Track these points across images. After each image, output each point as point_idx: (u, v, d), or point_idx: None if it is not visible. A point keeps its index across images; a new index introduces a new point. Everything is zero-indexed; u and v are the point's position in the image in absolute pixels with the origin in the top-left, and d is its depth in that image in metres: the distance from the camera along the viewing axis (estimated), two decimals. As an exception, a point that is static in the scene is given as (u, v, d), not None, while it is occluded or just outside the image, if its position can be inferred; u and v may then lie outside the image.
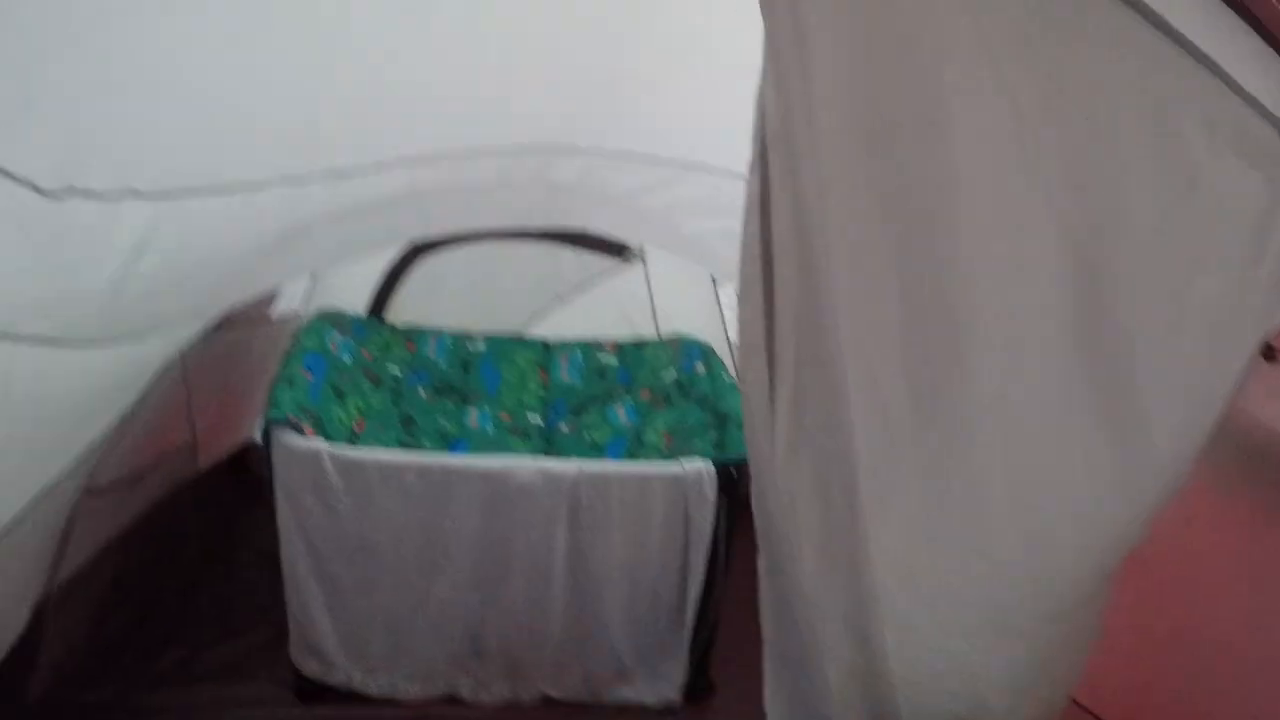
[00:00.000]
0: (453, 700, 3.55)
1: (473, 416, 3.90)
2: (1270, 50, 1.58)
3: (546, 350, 4.55)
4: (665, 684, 3.53)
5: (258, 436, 3.16)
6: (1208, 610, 2.45)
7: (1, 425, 2.41)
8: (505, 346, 4.50)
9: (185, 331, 3.35)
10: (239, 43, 2.01)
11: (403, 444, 3.40)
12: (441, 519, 3.15)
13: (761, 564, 2.02)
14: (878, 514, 1.81)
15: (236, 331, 4.18)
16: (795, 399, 1.74)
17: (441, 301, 4.63)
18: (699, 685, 3.56)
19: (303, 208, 2.87)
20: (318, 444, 3.07)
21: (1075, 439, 1.83)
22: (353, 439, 3.39)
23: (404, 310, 4.64)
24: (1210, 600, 2.45)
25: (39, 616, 3.26)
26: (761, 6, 1.50)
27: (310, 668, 3.45)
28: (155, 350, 3.12)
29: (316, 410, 3.32)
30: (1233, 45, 1.57)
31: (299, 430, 3.10)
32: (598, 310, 4.68)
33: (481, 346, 4.47)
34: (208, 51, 1.98)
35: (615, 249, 4.40)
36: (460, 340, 4.50)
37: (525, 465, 3.10)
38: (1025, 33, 1.54)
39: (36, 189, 1.86)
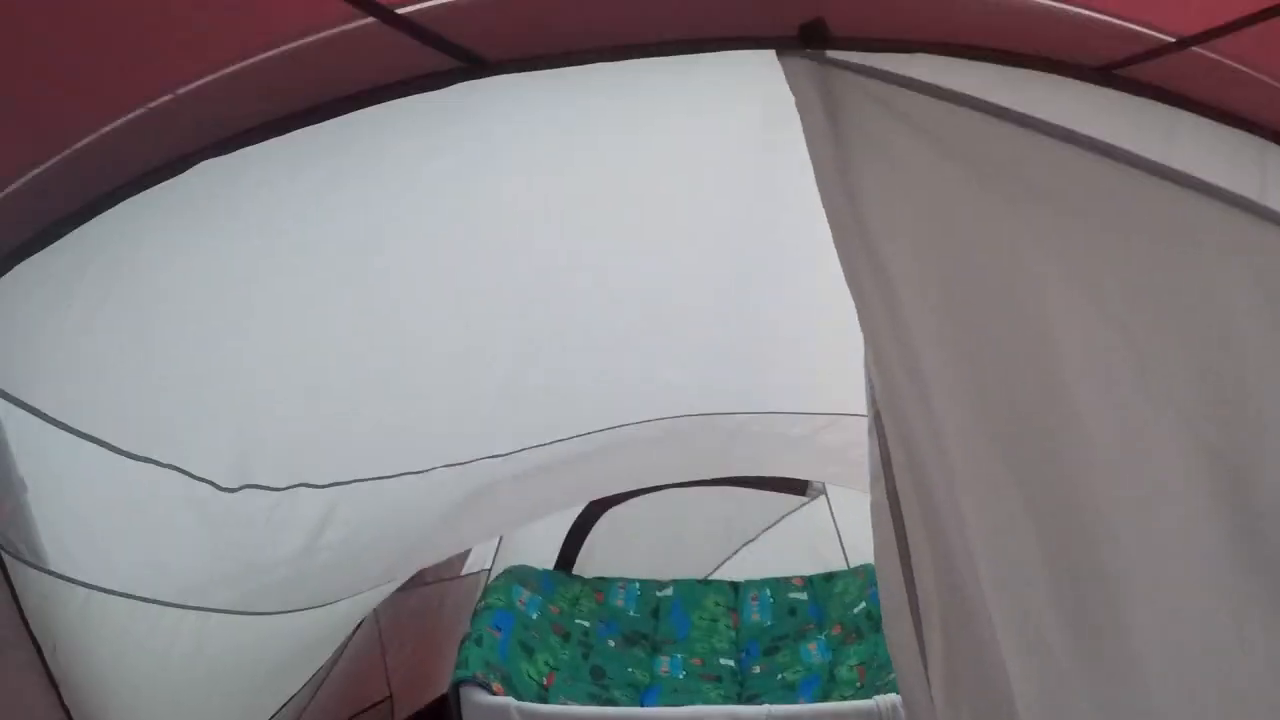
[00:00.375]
0: None
1: (664, 664, 3.84)
2: None
3: (735, 591, 4.49)
4: None
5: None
6: None
7: (197, 686, 2.48)
8: (693, 590, 4.46)
9: (379, 593, 3.41)
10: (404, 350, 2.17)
11: (593, 696, 3.36)
12: (634, 772, 3.08)
13: None
14: None
15: (429, 588, 4.27)
16: (947, 653, 1.67)
17: (629, 552, 4.66)
18: None
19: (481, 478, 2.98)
20: (507, 700, 3.06)
21: (1246, 645, 1.72)
22: (542, 694, 3.36)
23: (592, 562, 4.68)
24: None
25: None
26: (847, 282, 1.53)
27: None
28: (351, 607, 3.18)
29: (505, 667, 3.32)
30: None
31: (487, 688, 3.10)
32: (785, 547, 4.64)
33: (670, 591, 4.45)
34: (370, 362, 2.13)
35: (797, 486, 4.37)
36: (648, 587, 4.49)
37: (714, 713, 3.03)
38: (1122, 246, 1.54)
39: (215, 485, 2.00)
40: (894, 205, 1.51)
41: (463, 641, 3.40)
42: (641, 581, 4.50)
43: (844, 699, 3.13)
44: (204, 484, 1.99)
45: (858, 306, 1.52)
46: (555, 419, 2.75)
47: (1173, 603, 1.67)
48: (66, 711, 2.15)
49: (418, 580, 4.07)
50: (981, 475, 1.58)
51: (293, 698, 3.18)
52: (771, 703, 3.09)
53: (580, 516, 4.59)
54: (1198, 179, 1.50)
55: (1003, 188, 1.51)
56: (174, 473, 1.94)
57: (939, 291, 1.54)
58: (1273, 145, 1.55)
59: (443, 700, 4.65)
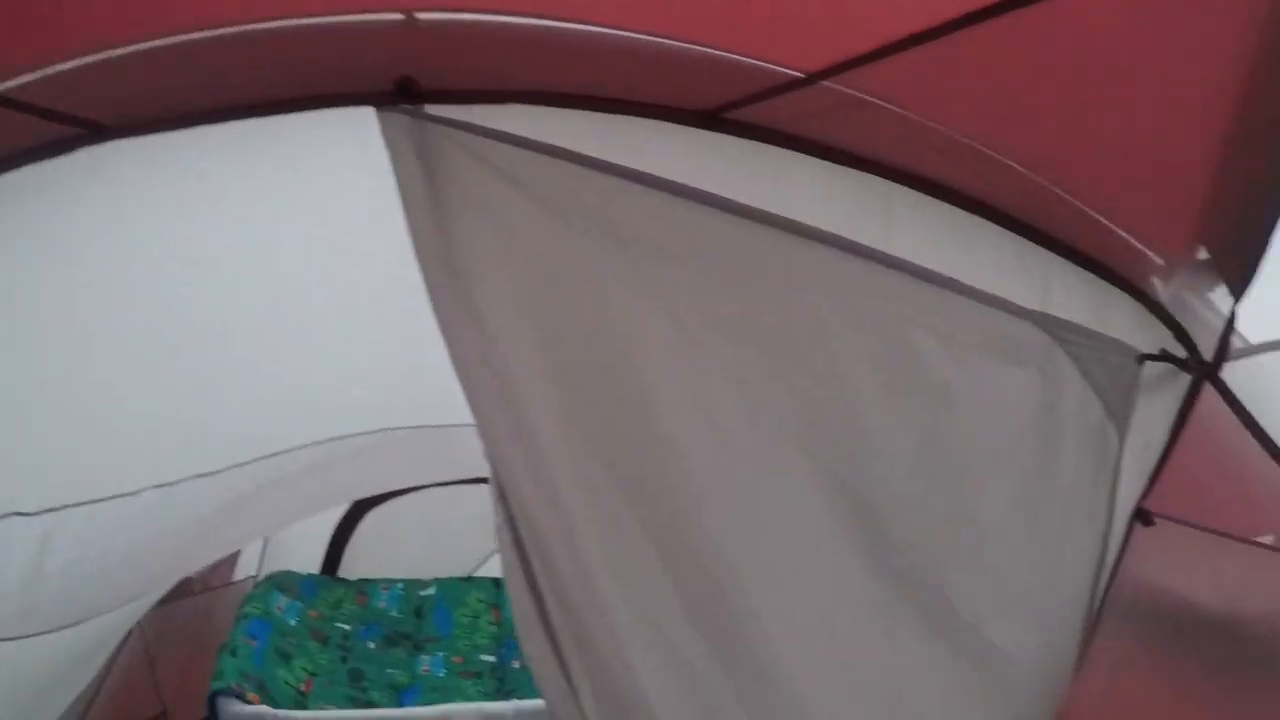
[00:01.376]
0: None
1: (425, 663, 3.88)
2: (1014, 237, 1.69)
3: (497, 587, 4.50)
4: None
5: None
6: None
7: None
8: (456, 588, 4.52)
9: (133, 613, 3.38)
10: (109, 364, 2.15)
11: (352, 699, 3.40)
12: (391, 773, 3.14)
13: None
14: None
15: (197, 598, 4.24)
16: (585, 670, 1.77)
17: (394, 553, 4.68)
18: None
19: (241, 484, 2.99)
20: (262, 709, 3.10)
21: (899, 644, 1.88)
22: (301, 700, 3.39)
23: (358, 564, 4.70)
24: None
25: None
26: (444, 336, 1.59)
27: None
28: (112, 624, 3.16)
29: (261, 676, 3.35)
30: (969, 254, 1.66)
31: (243, 698, 3.13)
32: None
33: (432, 590, 4.49)
34: (73, 376, 2.11)
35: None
36: (411, 586, 4.53)
37: (462, 710, 3.12)
38: (721, 288, 1.63)
39: None
40: (490, 257, 1.56)
41: (219, 652, 3.40)
42: (405, 582, 4.54)
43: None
44: None
45: (452, 355, 1.59)
46: (258, 435, 2.79)
47: (806, 610, 1.80)
48: None
49: (184, 590, 4.04)
50: (597, 507, 1.66)
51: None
52: (524, 698, 3.18)
53: (344, 518, 4.61)
54: (807, 225, 1.59)
55: (595, 234, 1.57)
56: None
57: (536, 336, 1.60)
58: (898, 187, 1.66)
59: (221, 714, 4.66)
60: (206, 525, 3.00)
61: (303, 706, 3.32)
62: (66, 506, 2.22)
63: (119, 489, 2.35)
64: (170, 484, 2.45)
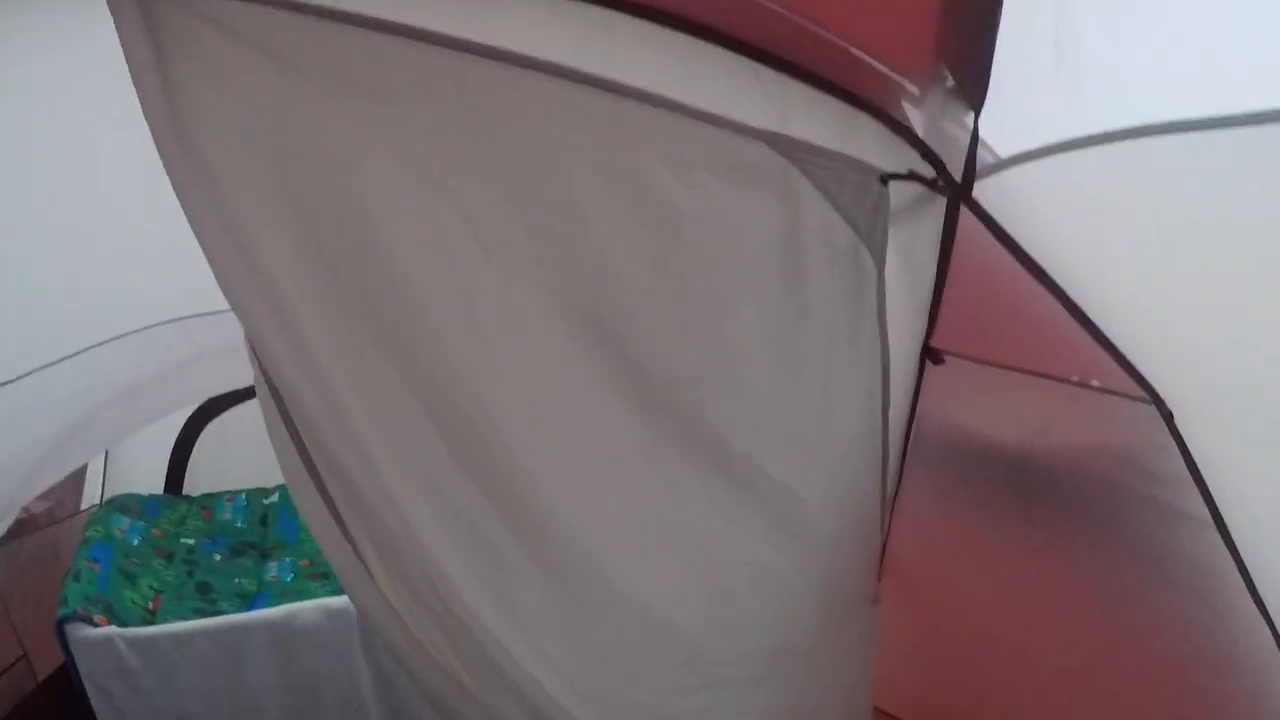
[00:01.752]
0: None
1: (272, 570, 3.93)
2: (748, 62, 1.67)
3: (342, 489, 4.54)
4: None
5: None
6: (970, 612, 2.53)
7: None
8: (300, 493, 4.48)
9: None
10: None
11: (200, 612, 3.41)
12: (244, 676, 3.19)
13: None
14: (495, 609, 1.87)
15: (44, 532, 4.19)
16: (362, 521, 1.80)
17: (236, 464, 4.66)
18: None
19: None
20: (110, 630, 3.11)
21: (681, 491, 1.93)
22: (149, 618, 3.40)
23: (201, 481, 4.68)
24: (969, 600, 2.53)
25: None
26: (184, 210, 1.54)
27: None
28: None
29: (107, 598, 3.35)
30: (700, 81, 1.65)
31: (90, 621, 3.12)
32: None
33: (276, 498, 4.50)
34: None
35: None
36: (255, 496, 4.53)
37: (307, 607, 3.15)
38: (452, 133, 1.61)
39: None
40: (225, 120, 1.50)
41: (64, 578, 3.39)
42: (248, 491, 4.53)
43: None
44: None
45: (193, 226, 1.54)
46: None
47: (575, 455, 1.83)
48: None
49: (30, 526, 4.00)
50: (349, 358, 1.65)
51: None
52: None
53: (182, 432, 4.58)
54: (531, 56, 1.55)
55: (322, 83, 1.52)
56: None
57: (273, 194, 1.56)
58: (623, 16, 1.59)
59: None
60: (42, 445, 2.97)
61: (151, 624, 3.32)
62: None
63: None
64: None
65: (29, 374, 2.62)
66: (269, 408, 1.75)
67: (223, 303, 1.59)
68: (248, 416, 4.43)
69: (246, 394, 4.42)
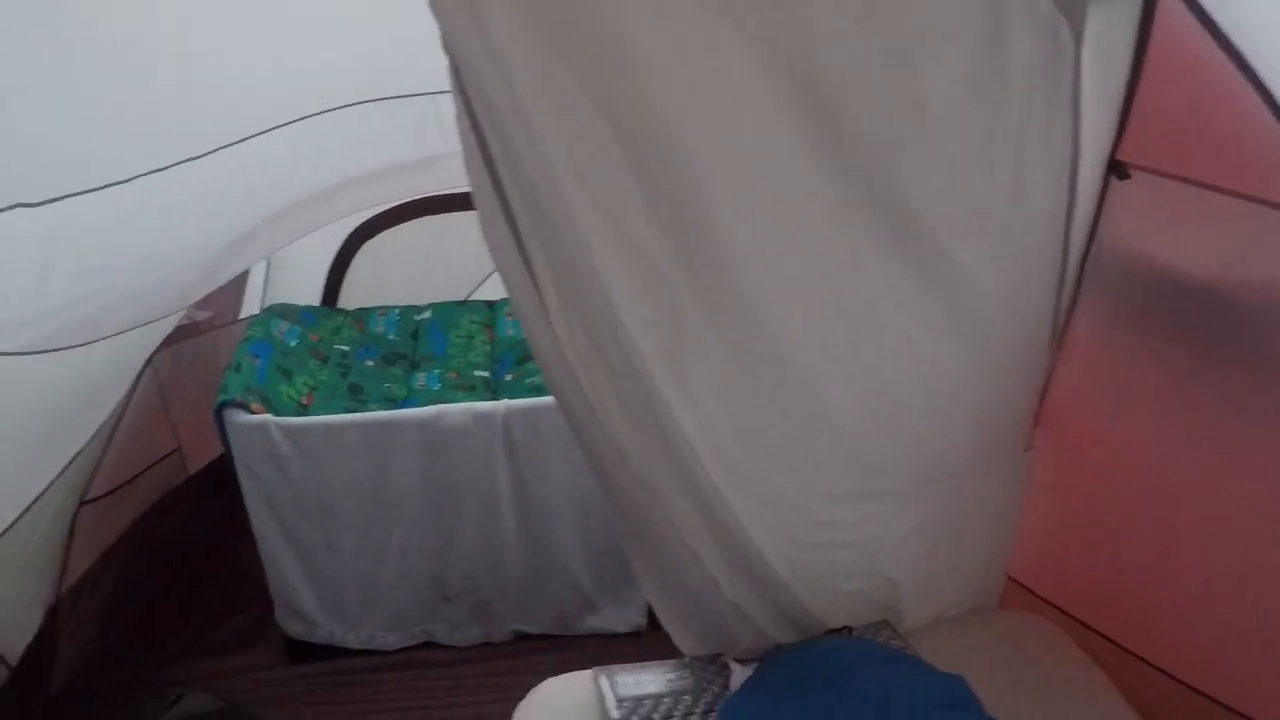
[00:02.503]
0: (430, 645, 3.75)
1: (421, 379, 4.06)
2: None
3: (490, 309, 4.68)
4: (631, 610, 3.69)
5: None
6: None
7: None
8: (450, 311, 4.63)
9: (144, 345, 3.56)
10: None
11: (350, 410, 3.54)
12: (387, 471, 3.33)
13: (571, 427, 2.09)
14: (668, 365, 1.86)
15: (203, 337, 4.40)
16: (548, 261, 1.78)
17: (392, 281, 4.80)
18: (666, 610, 3.69)
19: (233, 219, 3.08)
20: (266, 418, 3.28)
21: (865, 269, 1.87)
22: (301, 412, 3.56)
23: (357, 295, 4.83)
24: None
25: (51, 618, 3.47)
26: None
27: (295, 629, 3.66)
28: (124, 358, 3.28)
29: (264, 390, 3.51)
30: None
31: (247, 409, 3.29)
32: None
33: (428, 314, 4.61)
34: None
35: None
36: (407, 312, 4.65)
37: (455, 409, 3.27)
38: None
39: None
40: None
41: (225, 371, 3.55)
42: (401, 308, 4.66)
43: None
44: None
45: None
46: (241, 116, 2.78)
47: (766, 212, 1.78)
48: None
49: (191, 331, 4.20)
50: (552, 95, 1.60)
51: (78, 455, 3.31)
52: (517, 404, 3.34)
53: (339, 252, 4.73)
54: None
55: None
56: None
57: None
58: None
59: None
60: (205, 245, 3.11)
61: (302, 416, 3.48)
62: (68, 196, 2.26)
63: (114, 178, 2.37)
64: (163, 169, 2.48)
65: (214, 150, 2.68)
66: (468, 140, 1.71)
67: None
68: (402, 238, 4.61)
69: (403, 215, 4.57)
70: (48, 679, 3.57)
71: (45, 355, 2.67)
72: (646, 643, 3.63)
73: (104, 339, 2.98)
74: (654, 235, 1.76)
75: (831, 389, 2.00)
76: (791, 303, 1.88)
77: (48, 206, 2.24)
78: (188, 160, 2.58)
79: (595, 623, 3.71)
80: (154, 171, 2.47)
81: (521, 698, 2.57)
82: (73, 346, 2.80)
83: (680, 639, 2.41)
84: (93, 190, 2.34)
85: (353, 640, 3.70)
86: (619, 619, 3.70)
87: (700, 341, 1.88)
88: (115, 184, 2.39)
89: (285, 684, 3.64)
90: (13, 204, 2.16)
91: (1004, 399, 2.20)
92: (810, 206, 1.79)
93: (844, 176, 1.77)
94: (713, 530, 2.10)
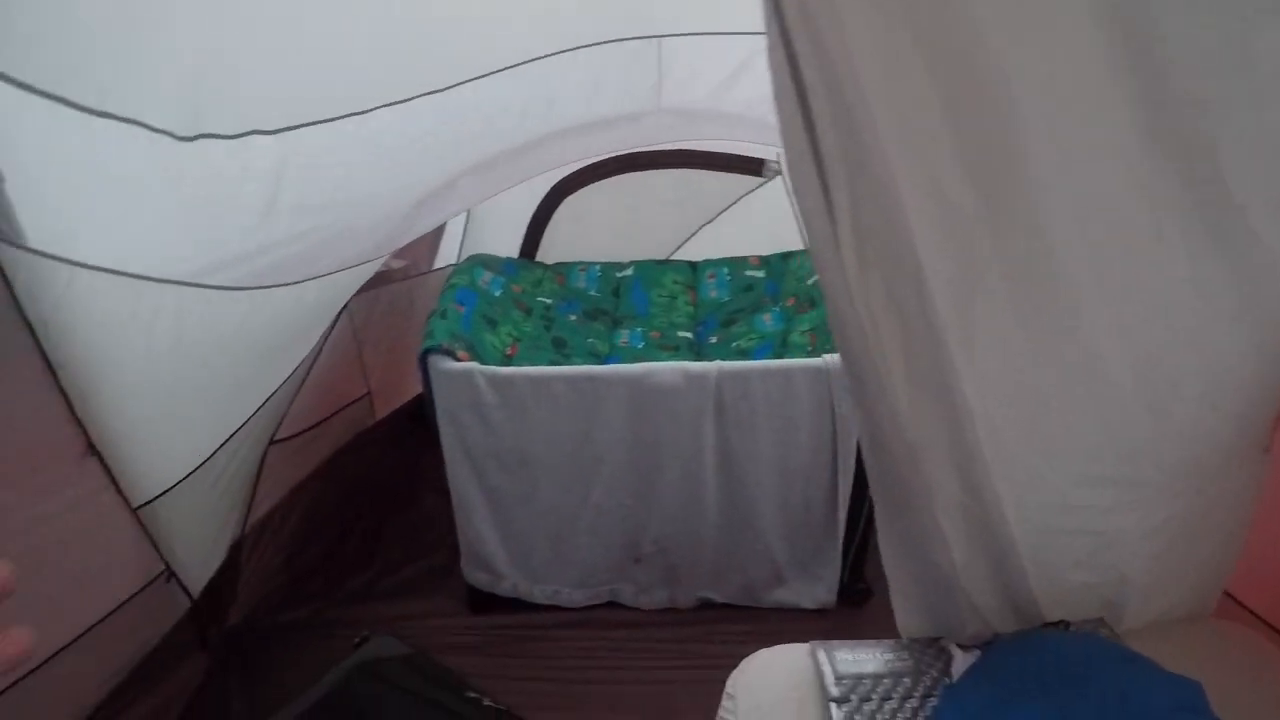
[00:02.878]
0: (614, 605, 3.73)
1: (624, 336, 4.01)
2: None
3: (693, 270, 4.61)
4: (820, 587, 3.60)
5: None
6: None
7: (182, 374, 2.64)
8: (652, 270, 4.58)
9: (346, 288, 3.56)
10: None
11: (554, 363, 3.52)
12: (591, 426, 3.29)
13: (850, 390, 1.98)
14: (960, 328, 1.79)
15: (399, 285, 4.44)
16: (853, 206, 1.70)
17: (591, 238, 4.77)
18: (854, 589, 3.63)
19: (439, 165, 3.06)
20: (471, 365, 3.25)
21: (1166, 244, 1.75)
22: (505, 362, 3.53)
23: (555, 251, 4.81)
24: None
25: (235, 554, 3.52)
26: None
27: (480, 579, 3.67)
28: (322, 295, 3.29)
29: (470, 338, 3.49)
30: None
31: (453, 356, 3.28)
32: (743, 228, 4.73)
33: (630, 272, 4.57)
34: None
35: (753, 166, 4.43)
36: (609, 269, 4.61)
37: (666, 368, 3.19)
38: None
39: (172, 135, 2.05)
40: None
41: (429, 317, 3.54)
42: (602, 264, 4.62)
43: (794, 363, 3.29)
44: (163, 136, 2.02)
45: None
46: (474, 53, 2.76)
47: (1078, 169, 1.68)
48: (65, 396, 2.30)
49: (386, 278, 4.25)
50: (876, 30, 1.54)
51: (275, 393, 3.36)
52: (724, 365, 3.27)
53: (540, 205, 4.70)
54: None
55: None
56: (135, 127, 1.98)
57: None
58: None
59: (420, 400, 4.91)
60: (415, 190, 3.09)
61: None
62: (304, 125, 2.27)
63: (353, 109, 2.38)
64: (400, 101, 2.47)
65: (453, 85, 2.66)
66: (781, 76, 1.62)
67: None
68: (603, 195, 4.58)
69: (606, 171, 4.52)
70: (227, 613, 3.64)
71: (257, 291, 2.70)
72: (832, 621, 3.60)
73: (314, 279, 3.01)
74: (965, 189, 1.68)
75: (1113, 368, 1.89)
76: (1091, 274, 1.78)
77: (283, 135, 2.26)
78: (428, 94, 2.57)
79: (783, 596, 3.63)
80: (390, 104, 2.47)
81: (706, 666, 2.53)
82: (283, 285, 2.84)
83: (904, 619, 2.34)
84: (329, 120, 2.35)
85: (537, 595, 3.69)
86: (807, 595, 3.61)
87: (995, 304, 1.79)
88: (353, 114, 2.40)
89: (466, 633, 3.66)
90: (250, 130, 2.19)
91: (1270, 396, 2.06)
92: (1122, 173, 1.68)
93: (1159, 143, 1.65)
94: (967, 508, 2.02)
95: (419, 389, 4.48)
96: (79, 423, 2.38)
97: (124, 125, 1.98)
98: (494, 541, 3.56)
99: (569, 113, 3.25)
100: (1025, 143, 1.64)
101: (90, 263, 2.14)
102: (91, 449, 2.45)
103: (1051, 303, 1.81)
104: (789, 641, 2.34)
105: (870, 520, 3.42)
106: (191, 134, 2.07)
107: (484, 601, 3.72)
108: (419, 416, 4.93)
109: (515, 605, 3.71)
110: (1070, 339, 1.85)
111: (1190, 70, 1.59)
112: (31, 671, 2.43)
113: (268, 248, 2.55)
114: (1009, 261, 1.76)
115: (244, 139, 2.17)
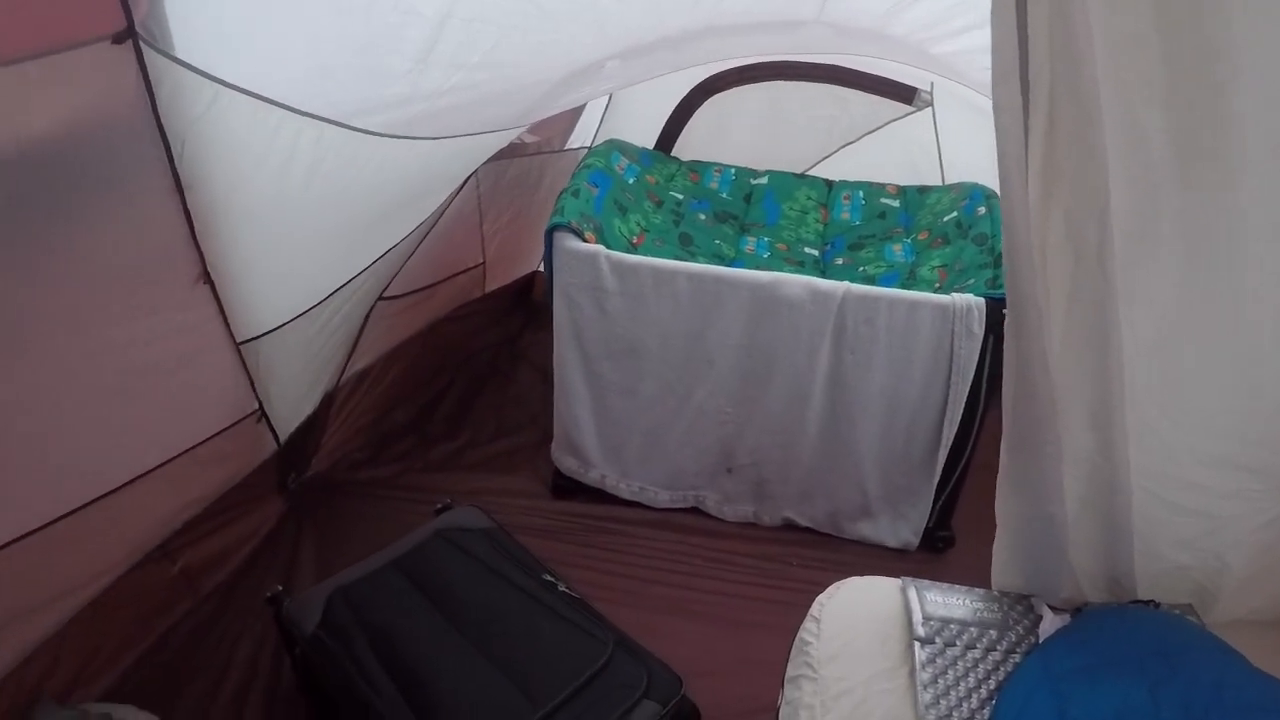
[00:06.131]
0: (697, 511, 3.70)
1: (750, 244, 3.94)
2: None
3: (829, 189, 4.50)
4: (905, 527, 3.56)
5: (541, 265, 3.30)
6: None
7: (310, 211, 2.64)
8: (787, 182, 4.47)
9: (480, 152, 3.54)
10: None
11: (678, 258, 3.46)
12: (708, 327, 3.24)
13: (1008, 324, 1.94)
14: (1131, 278, 1.72)
15: (530, 159, 4.40)
16: (1049, 131, 1.64)
17: (728, 141, 4.67)
18: (940, 534, 3.57)
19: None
20: (597, 248, 3.20)
21: None
22: (631, 250, 3.48)
23: (690, 148, 4.71)
24: None
25: (328, 402, 3.55)
26: None
27: (568, 465, 3.66)
28: (456, 157, 3.27)
29: (599, 220, 3.44)
30: None
31: (580, 235, 3.23)
32: (885, 156, 4.63)
33: (764, 180, 4.47)
34: None
35: (904, 94, 4.32)
36: (743, 174, 4.51)
37: (794, 280, 3.12)
38: None
39: None
40: None
41: (560, 194, 3.49)
42: (737, 169, 4.52)
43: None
44: None
45: None
46: None
47: None
48: (189, 219, 2.30)
49: (518, 150, 4.20)
50: None
51: (395, 247, 3.37)
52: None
53: (683, 100, 4.60)
54: None
55: None
56: None
57: None
58: None
59: (531, 279, 4.90)
60: (575, 60, 3.03)
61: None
62: None
63: None
64: None
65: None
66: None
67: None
68: (747, 99, 4.49)
69: (754, 75, 4.43)
70: (310, 462, 3.69)
71: (396, 141, 2.67)
72: (912, 564, 3.54)
73: (453, 137, 2.97)
74: (1165, 137, 1.60)
75: (1269, 348, 1.82)
76: (1270, 249, 1.70)
77: None
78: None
79: (867, 530, 3.58)
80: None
81: (779, 586, 2.49)
82: (422, 138, 2.80)
83: (1000, 570, 2.30)
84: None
85: (623, 489, 3.67)
86: (891, 533, 3.57)
87: (1169, 260, 1.73)
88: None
89: (546, 515, 3.66)
90: None
91: None
92: None
93: None
94: (1096, 465, 1.98)
95: (533, 266, 4.46)
96: (198, 247, 2.38)
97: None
98: (589, 428, 3.54)
99: (734, 7, 3.16)
100: (1235, 103, 1.56)
101: (238, 84, 2.12)
102: (206, 276, 2.46)
103: (1224, 271, 1.73)
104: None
105: (967, 469, 3.39)
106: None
107: (567, 488, 3.72)
108: (526, 295, 4.94)
109: (598, 496, 3.70)
110: (1233, 312, 1.78)
111: None
112: (113, 491, 2.46)
113: (414, 99, 2.51)
114: (1192, 221, 1.68)
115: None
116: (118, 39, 1.87)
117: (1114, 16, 1.50)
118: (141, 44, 1.91)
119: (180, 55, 1.99)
